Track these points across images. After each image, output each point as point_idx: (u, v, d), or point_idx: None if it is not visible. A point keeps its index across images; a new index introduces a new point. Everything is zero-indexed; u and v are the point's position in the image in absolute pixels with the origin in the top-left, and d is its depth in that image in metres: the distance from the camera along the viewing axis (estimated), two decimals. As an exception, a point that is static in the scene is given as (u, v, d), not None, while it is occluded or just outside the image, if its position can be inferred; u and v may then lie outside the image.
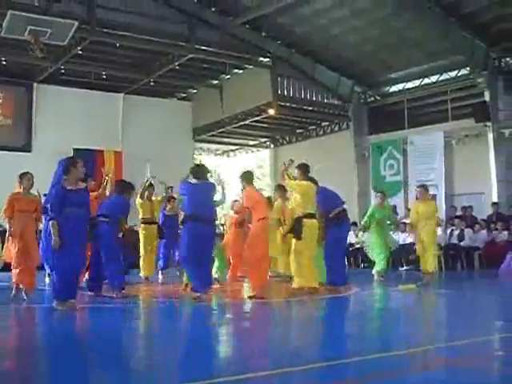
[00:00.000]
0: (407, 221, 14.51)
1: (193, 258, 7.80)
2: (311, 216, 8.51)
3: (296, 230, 8.50)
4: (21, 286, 7.87)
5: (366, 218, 11.70)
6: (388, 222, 11.89)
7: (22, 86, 17.62)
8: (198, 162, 10.42)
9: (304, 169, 8.86)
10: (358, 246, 15.77)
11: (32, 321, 6.83)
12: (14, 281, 7.89)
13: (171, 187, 11.66)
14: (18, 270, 7.78)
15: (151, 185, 11.50)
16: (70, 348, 4.83)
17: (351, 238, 14.71)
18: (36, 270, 8.12)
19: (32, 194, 8.07)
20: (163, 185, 11.52)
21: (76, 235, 6.80)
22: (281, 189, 10.46)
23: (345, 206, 9.22)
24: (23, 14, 12.36)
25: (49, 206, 6.84)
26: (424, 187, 11.16)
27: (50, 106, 17.67)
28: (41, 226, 7.89)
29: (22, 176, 7.98)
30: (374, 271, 11.38)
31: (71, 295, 6.92)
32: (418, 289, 9.51)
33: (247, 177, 8.72)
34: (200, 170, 8.33)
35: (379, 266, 11.27)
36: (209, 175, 8.56)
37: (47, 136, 17.30)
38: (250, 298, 8.12)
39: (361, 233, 14.34)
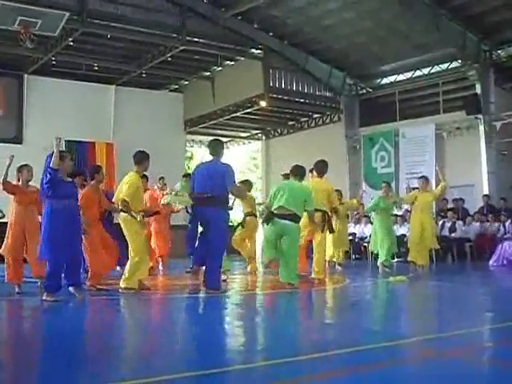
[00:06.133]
0: (399, 212, 14.63)
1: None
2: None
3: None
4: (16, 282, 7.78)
5: (369, 207, 11.83)
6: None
7: (12, 77, 17.44)
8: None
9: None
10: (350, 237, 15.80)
11: (19, 314, 6.75)
12: (7, 280, 7.74)
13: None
14: (9, 269, 7.66)
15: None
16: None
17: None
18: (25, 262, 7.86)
19: (31, 186, 7.81)
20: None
21: (65, 227, 6.80)
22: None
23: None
24: (13, 4, 12.28)
25: (43, 188, 6.79)
26: (424, 178, 11.26)
27: (40, 97, 17.50)
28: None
29: (22, 168, 7.79)
30: (378, 263, 11.43)
31: (59, 287, 6.91)
32: (409, 281, 9.55)
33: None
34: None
35: (383, 257, 11.33)
36: None
37: (38, 128, 17.12)
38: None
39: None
